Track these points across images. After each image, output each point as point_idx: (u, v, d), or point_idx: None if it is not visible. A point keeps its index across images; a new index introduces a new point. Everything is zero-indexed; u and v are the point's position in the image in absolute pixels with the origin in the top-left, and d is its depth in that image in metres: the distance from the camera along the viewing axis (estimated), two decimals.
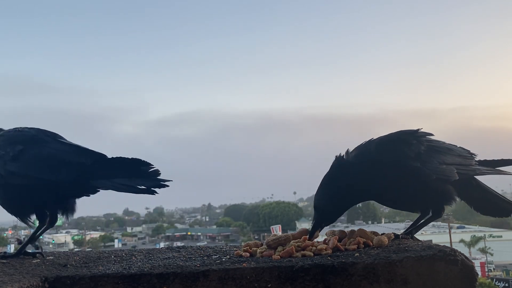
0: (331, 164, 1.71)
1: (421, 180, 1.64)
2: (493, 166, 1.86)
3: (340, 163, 1.70)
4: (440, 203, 1.71)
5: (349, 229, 1.63)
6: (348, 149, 1.73)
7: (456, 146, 1.83)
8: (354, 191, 1.67)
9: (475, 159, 1.83)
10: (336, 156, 1.72)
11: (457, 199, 1.74)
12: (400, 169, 1.64)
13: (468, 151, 1.85)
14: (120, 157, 1.60)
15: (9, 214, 1.65)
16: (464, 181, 1.74)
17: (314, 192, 1.69)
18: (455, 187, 1.70)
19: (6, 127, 1.78)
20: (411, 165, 1.63)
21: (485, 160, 1.87)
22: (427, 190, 1.66)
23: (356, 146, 1.74)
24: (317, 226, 1.64)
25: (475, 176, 1.79)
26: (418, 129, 1.73)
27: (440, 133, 1.79)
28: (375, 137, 1.74)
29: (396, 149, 1.66)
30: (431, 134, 1.76)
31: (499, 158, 1.90)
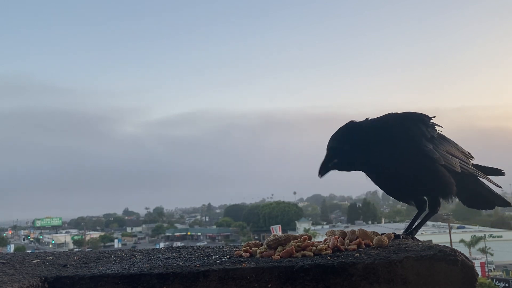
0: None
1: (430, 163, 1.62)
2: (484, 173, 1.86)
3: (355, 123, 1.71)
4: (440, 192, 1.70)
5: (349, 229, 1.63)
6: (367, 118, 1.75)
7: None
8: (363, 152, 1.67)
9: (472, 162, 1.84)
10: (352, 120, 1.74)
11: (455, 195, 1.74)
12: (413, 146, 1.63)
13: (469, 152, 1.86)
14: None
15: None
16: (461, 176, 1.74)
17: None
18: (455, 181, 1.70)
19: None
20: (425, 144, 1.63)
21: (477, 165, 1.86)
22: (433, 173, 1.64)
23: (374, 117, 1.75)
24: (328, 160, 1.66)
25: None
26: (433, 116, 1.75)
27: (444, 133, 1.80)
28: (393, 112, 1.76)
29: (414, 126, 1.67)
30: (439, 125, 1.79)
31: (490, 166, 1.91)
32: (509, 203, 1.91)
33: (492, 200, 1.89)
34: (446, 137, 1.78)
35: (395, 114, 1.74)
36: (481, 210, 1.99)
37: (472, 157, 1.85)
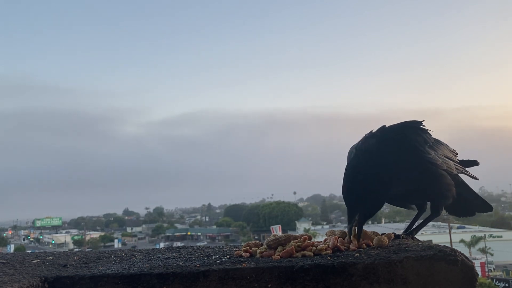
0: (349, 155, 1.65)
1: (435, 170, 1.61)
2: (464, 166, 1.85)
3: (361, 152, 1.61)
4: (444, 196, 1.69)
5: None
6: (365, 135, 1.66)
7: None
8: (381, 181, 1.56)
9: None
10: (355, 146, 1.65)
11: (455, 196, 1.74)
12: (417, 155, 1.60)
13: (454, 150, 1.85)
14: None
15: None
16: (455, 177, 1.73)
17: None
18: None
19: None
20: (428, 152, 1.62)
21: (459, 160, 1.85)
22: (438, 179, 1.63)
23: (367, 134, 1.67)
24: (362, 221, 1.53)
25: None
26: (423, 120, 1.73)
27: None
28: (386, 125, 1.68)
29: (416, 136, 1.64)
30: (430, 130, 1.76)
31: (467, 158, 1.90)
32: (491, 207, 1.90)
33: (475, 204, 1.88)
34: (438, 140, 1.76)
35: (392, 127, 1.67)
36: (460, 217, 1.98)
37: (456, 154, 1.85)
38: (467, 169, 1.84)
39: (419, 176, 1.62)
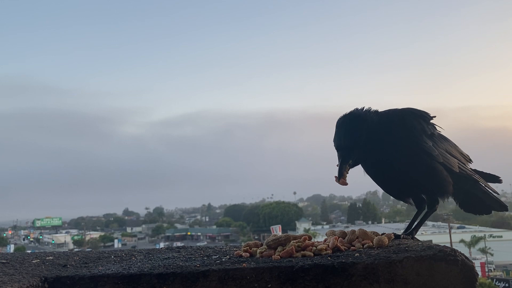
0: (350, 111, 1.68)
1: (429, 159, 1.61)
2: (486, 180, 1.85)
3: (360, 113, 1.66)
4: (437, 190, 1.69)
5: (349, 229, 1.63)
6: (370, 107, 1.71)
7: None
8: (363, 149, 1.63)
9: (470, 165, 1.84)
10: (357, 108, 1.69)
11: (452, 195, 1.73)
12: (412, 142, 1.62)
13: (467, 155, 1.85)
14: None
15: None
16: (459, 178, 1.73)
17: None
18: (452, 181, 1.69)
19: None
20: (425, 141, 1.62)
21: (476, 170, 1.85)
22: (431, 170, 1.63)
23: (372, 110, 1.72)
24: (345, 161, 1.59)
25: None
26: (434, 116, 1.74)
27: (445, 133, 1.80)
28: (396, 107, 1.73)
29: (414, 122, 1.66)
30: (439, 126, 1.79)
31: (488, 172, 1.90)
32: (506, 206, 1.90)
33: (489, 204, 1.88)
34: (446, 137, 1.77)
35: (396, 109, 1.72)
36: (478, 214, 1.98)
37: (471, 161, 1.85)
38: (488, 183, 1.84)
39: (412, 165, 1.62)
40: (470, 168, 1.81)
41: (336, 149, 1.64)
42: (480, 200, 1.86)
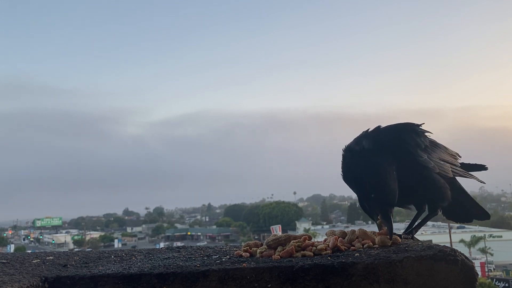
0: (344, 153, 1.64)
1: (427, 173, 1.62)
2: (468, 170, 1.86)
3: (357, 151, 1.62)
4: (438, 198, 1.70)
5: (349, 229, 1.63)
6: (361, 133, 1.68)
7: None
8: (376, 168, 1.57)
9: (459, 161, 1.84)
10: (349, 146, 1.65)
11: (451, 198, 1.74)
12: (410, 158, 1.62)
13: (456, 153, 1.86)
14: None
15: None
16: (452, 181, 1.74)
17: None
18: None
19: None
20: (420, 155, 1.63)
21: (462, 163, 1.86)
22: (430, 182, 1.64)
23: (362, 133, 1.68)
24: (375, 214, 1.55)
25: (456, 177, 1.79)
26: (422, 123, 1.74)
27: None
28: (382, 125, 1.70)
29: (409, 138, 1.65)
30: (429, 131, 1.77)
31: (468, 158, 1.91)
32: (488, 214, 1.91)
33: (472, 212, 1.89)
34: (436, 142, 1.77)
35: (389, 127, 1.69)
36: (459, 222, 2.00)
37: (459, 156, 1.86)
38: (475, 173, 1.85)
39: (410, 178, 1.63)
40: (459, 165, 1.82)
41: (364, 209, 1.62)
42: (464, 208, 1.88)
